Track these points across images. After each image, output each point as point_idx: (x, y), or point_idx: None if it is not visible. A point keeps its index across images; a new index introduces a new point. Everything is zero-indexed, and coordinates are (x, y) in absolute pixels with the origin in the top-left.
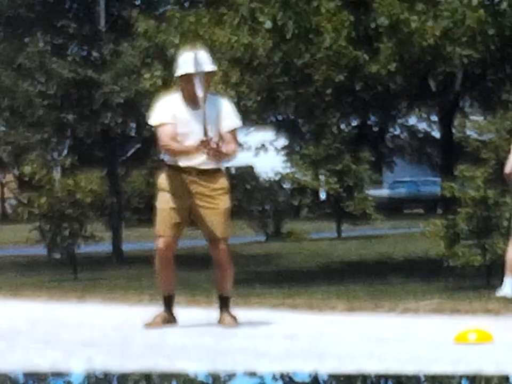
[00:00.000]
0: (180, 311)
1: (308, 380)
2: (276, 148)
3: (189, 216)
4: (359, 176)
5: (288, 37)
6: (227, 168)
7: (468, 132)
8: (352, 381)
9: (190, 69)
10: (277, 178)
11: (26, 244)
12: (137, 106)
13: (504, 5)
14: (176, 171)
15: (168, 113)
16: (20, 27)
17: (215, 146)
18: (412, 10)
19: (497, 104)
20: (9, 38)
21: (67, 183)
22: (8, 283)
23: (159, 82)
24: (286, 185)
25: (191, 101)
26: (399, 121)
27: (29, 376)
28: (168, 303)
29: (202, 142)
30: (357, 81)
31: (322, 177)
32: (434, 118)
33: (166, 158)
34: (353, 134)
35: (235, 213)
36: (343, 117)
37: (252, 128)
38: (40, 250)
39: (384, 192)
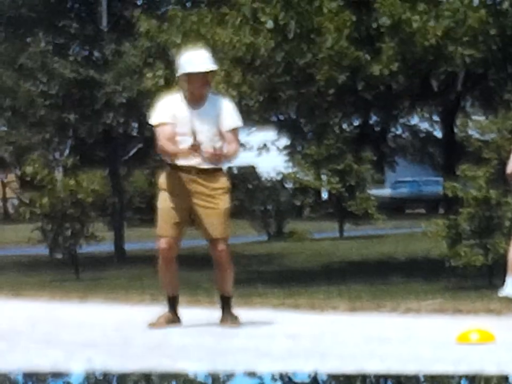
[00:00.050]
0: (181, 311)
1: (307, 380)
2: (277, 148)
3: (189, 216)
4: (361, 176)
5: (290, 36)
6: (229, 168)
7: (470, 132)
8: (352, 381)
9: (191, 69)
10: (279, 178)
11: (28, 244)
12: (139, 106)
13: (505, 4)
14: (176, 170)
15: (168, 113)
16: (21, 27)
17: (211, 150)
18: (414, 10)
19: (499, 104)
20: (11, 38)
21: (69, 183)
22: (10, 283)
23: (161, 81)
24: (288, 185)
25: (192, 100)
26: (401, 121)
27: (29, 376)
28: (173, 303)
29: (192, 146)
30: (359, 81)
31: (324, 177)
32: (436, 118)
33: (166, 157)
34: (355, 134)
35: (237, 212)
36: (345, 117)
37: (254, 128)
38: (42, 250)
39: (386, 192)
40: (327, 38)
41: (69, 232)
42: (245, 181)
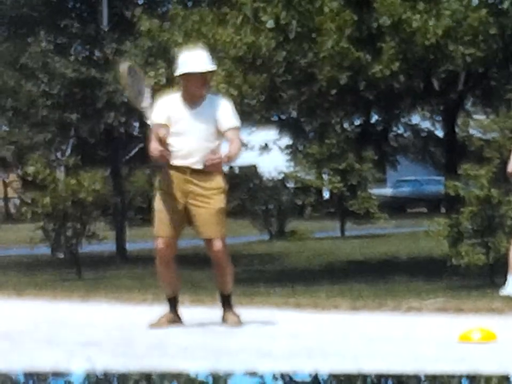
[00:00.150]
0: (183, 311)
1: (309, 379)
2: (279, 147)
3: (186, 216)
4: (362, 175)
5: (291, 36)
6: (230, 167)
7: (471, 131)
8: (354, 380)
9: (189, 69)
10: (280, 177)
11: (30, 244)
12: None
13: (506, 4)
14: (172, 170)
15: (163, 114)
16: (23, 27)
17: (210, 161)
18: (414, 10)
19: (500, 103)
20: (13, 38)
21: (70, 183)
22: (12, 283)
23: (163, 80)
24: (290, 185)
25: (190, 100)
26: (403, 120)
27: (30, 376)
28: (173, 304)
29: (160, 151)
30: (360, 81)
31: (325, 176)
32: (438, 117)
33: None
34: (356, 133)
35: (238, 212)
36: (347, 116)
37: (255, 128)
38: (44, 250)
39: (387, 191)
40: (328, 38)
41: (70, 232)
42: (246, 181)
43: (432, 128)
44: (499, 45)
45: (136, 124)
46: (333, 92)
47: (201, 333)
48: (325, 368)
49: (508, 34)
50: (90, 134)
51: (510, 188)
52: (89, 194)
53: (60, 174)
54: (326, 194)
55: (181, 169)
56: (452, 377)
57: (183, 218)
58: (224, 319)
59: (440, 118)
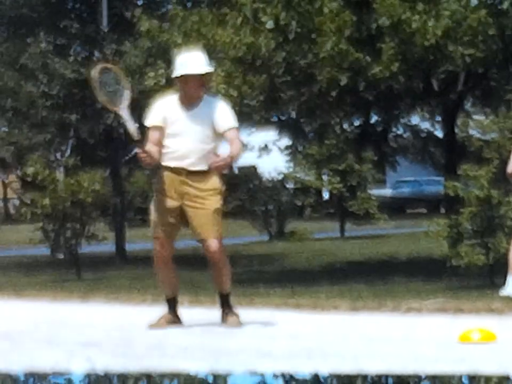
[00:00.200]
0: (183, 311)
1: (309, 379)
2: (279, 148)
3: (182, 217)
4: (362, 176)
5: (291, 37)
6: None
7: (471, 131)
8: (354, 380)
9: (186, 70)
10: (280, 178)
11: (30, 244)
12: (140, 106)
13: (505, 4)
14: (168, 172)
15: (159, 116)
16: (22, 27)
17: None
18: (413, 10)
19: (499, 104)
20: (12, 39)
21: (70, 183)
22: (12, 283)
23: (163, 81)
24: (289, 185)
25: (187, 101)
26: (402, 120)
27: (30, 376)
28: (172, 304)
29: (138, 153)
30: (360, 82)
31: (325, 177)
32: (437, 117)
33: (160, 158)
34: (356, 134)
35: (238, 213)
36: (346, 117)
37: (254, 129)
38: (43, 250)
39: (387, 191)
40: (327, 39)
41: (70, 233)
42: (246, 181)
43: (431, 129)
44: (498, 45)
45: (136, 124)
46: (333, 93)
47: (200, 334)
48: (324, 369)
49: (508, 34)
50: (89, 134)
51: (509, 188)
52: (89, 195)
53: (60, 174)
54: (326, 195)
55: (177, 171)
56: (452, 377)
57: (179, 219)
58: (223, 320)
59: (440, 119)
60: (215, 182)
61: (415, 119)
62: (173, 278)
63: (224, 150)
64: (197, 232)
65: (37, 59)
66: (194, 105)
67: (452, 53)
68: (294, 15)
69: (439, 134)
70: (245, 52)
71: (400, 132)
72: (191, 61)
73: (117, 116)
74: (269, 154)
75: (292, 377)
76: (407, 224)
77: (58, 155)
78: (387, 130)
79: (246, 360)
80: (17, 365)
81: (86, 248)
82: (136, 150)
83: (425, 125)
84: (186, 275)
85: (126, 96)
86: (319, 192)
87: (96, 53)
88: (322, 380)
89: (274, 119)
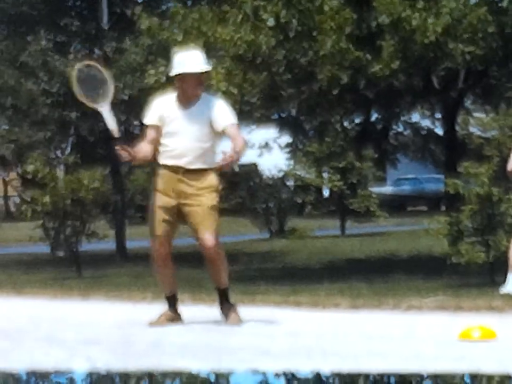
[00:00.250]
0: (183, 309)
1: (310, 377)
2: (279, 146)
3: (179, 215)
4: (362, 174)
5: (291, 35)
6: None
7: (471, 129)
8: (355, 379)
9: (184, 69)
10: (280, 175)
11: (30, 242)
12: (141, 103)
13: (505, 2)
14: (166, 170)
15: (156, 115)
16: (22, 25)
17: (225, 161)
18: (413, 8)
19: (500, 101)
20: (12, 36)
21: (70, 181)
22: (12, 281)
23: (163, 78)
24: (290, 183)
25: (185, 100)
26: (403, 118)
27: (31, 374)
28: (172, 302)
29: (116, 149)
30: (360, 80)
31: (325, 175)
32: (438, 115)
33: (158, 156)
34: (356, 132)
35: (239, 210)
36: (346, 115)
37: (255, 126)
38: (44, 248)
39: (387, 189)
40: (328, 37)
41: (70, 230)
42: (246, 179)
43: (432, 126)
44: (498, 43)
45: (136, 122)
46: (335, 91)
47: (201, 331)
48: (324, 367)
49: (508, 32)
50: (90, 132)
51: (510, 186)
52: (89, 193)
53: (60, 172)
54: (326, 193)
55: (174, 169)
56: (453, 376)
57: (177, 217)
58: (224, 317)
59: (440, 116)
60: (212, 179)
61: (415, 117)
62: (171, 276)
63: (224, 148)
64: (193, 229)
65: (37, 57)
66: (192, 104)
67: (452, 51)
68: (294, 13)
69: (440, 131)
70: (245, 49)
71: (400, 129)
72: (189, 60)
73: (118, 114)
74: (269, 152)
75: (293, 376)
76: (408, 222)
77: (58, 153)
78: (387, 128)
79: (246, 358)
80: (17, 363)
81: (86, 246)
82: (115, 147)
83: (426, 123)
84: (187, 273)
85: (108, 94)
86: (319, 190)
87: (97, 51)
88: (324, 379)
89: (275, 116)
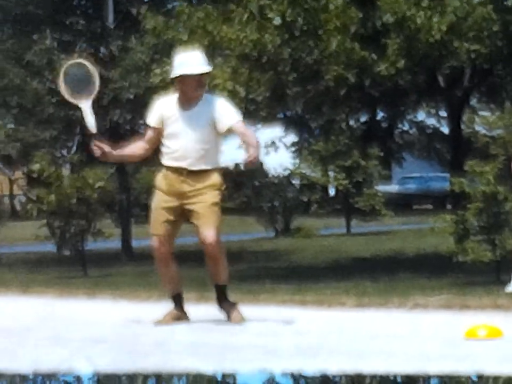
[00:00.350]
0: (189, 308)
1: (317, 377)
2: (284, 144)
3: (182, 214)
4: (368, 172)
5: (296, 33)
6: (236, 164)
7: (477, 128)
8: (362, 379)
9: (184, 70)
10: (286, 174)
11: (36, 241)
12: (146, 102)
13: (510, 1)
14: (169, 171)
15: (156, 116)
16: (28, 24)
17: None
18: (418, 6)
19: (506, 100)
20: (18, 35)
21: (76, 180)
22: (18, 280)
23: (169, 78)
24: (295, 182)
25: (185, 101)
26: (408, 117)
27: (39, 374)
28: (178, 301)
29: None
30: (365, 79)
31: (331, 173)
32: (443, 113)
33: (161, 157)
34: (362, 130)
35: (244, 209)
36: (352, 113)
37: (260, 125)
38: (49, 247)
39: (393, 188)
40: (333, 36)
41: (76, 229)
42: (252, 178)
43: (437, 125)
44: (503, 41)
45: (142, 121)
46: (342, 92)
47: (206, 330)
48: (330, 365)
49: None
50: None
51: None
52: (95, 192)
53: (65, 171)
54: (332, 191)
55: (177, 171)
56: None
57: (179, 217)
58: (224, 313)
59: (446, 115)
60: (214, 178)
61: (420, 115)
62: (174, 275)
63: (231, 144)
64: (195, 225)
65: (43, 56)
66: (193, 105)
67: (457, 49)
68: (300, 11)
69: (445, 130)
70: (251, 48)
71: (406, 128)
72: (189, 61)
73: (123, 113)
74: (275, 150)
75: (300, 375)
76: (413, 220)
77: (64, 152)
78: (393, 127)
79: (251, 357)
80: (23, 362)
81: (92, 244)
82: (91, 142)
83: (431, 121)
84: (191, 272)
85: (93, 92)
86: (325, 189)
87: (102, 50)
88: (330, 378)
89: (281, 115)
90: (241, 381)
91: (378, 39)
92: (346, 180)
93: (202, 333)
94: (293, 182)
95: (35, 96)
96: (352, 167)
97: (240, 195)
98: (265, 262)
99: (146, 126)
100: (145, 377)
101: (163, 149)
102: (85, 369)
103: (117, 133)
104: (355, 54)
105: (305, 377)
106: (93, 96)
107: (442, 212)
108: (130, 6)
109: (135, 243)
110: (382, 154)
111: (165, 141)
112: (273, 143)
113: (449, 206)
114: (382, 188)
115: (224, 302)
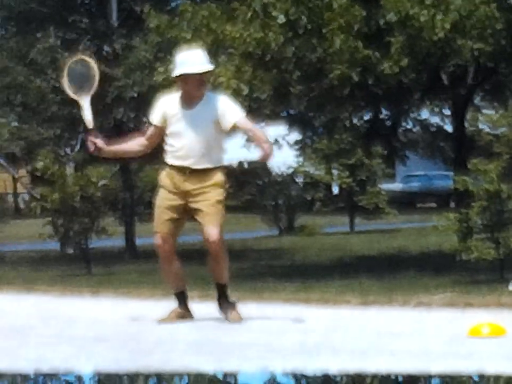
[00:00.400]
0: (193, 306)
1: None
2: (288, 143)
3: (185, 213)
4: (371, 170)
5: (300, 32)
6: (240, 163)
7: (480, 126)
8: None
9: (186, 69)
10: (289, 172)
11: (39, 239)
12: (150, 100)
13: None
14: (172, 170)
15: (158, 115)
16: (31, 22)
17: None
18: (421, 5)
19: (509, 98)
20: (21, 34)
21: (79, 178)
22: (22, 278)
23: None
24: (299, 180)
25: (188, 100)
26: (412, 115)
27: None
28: (181, 299)
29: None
30: (369, 77)
31: (335, 172)
32: (447, 111)
33: (165, 156)
34: (365, 128)
35: (248, 207)
36: (356, 111)
37: (263, 124)
38: (53, 245)
39: (396, 186)
40: (336, 35)
41: (79, 227)
42: (255, 176)
43: (441, 123)
44: (507, 39)
45: (146, 119)
46: (346, 91)
47: (209, 328)
48: (334, 364)
49: None
50: (99, 129)
51: None
52: (98, 190)
53: (69, 169)
54: (335, 190)
55: (180, 169)
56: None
57: (182, 215)
58: (222, 313)
59: (449, 113)
60: (217, 176)
61: (424, 114)
62: (177, 273)
63: (233, 143)
64: (199, 222)
65: (46, 54)
66: (195, 104)
67: (461, 47)
68: (303, 10)
69: (449, 128)
70: (254, 47)
71: (409, 126)
72: (191, 60)
73: (127, 111)
74: (279, 149)
75: (302, 374)
76: (417, 219)
77: (68, 150)
78: (396, 125)
79: (255, 355)
80: (26, 360)
81: (95, 242)
82: (86, 137)
83: (435, 119)
84: (195, 270)
85: (92, 89)
86: (328, 187)
87: (106, 48)
88: (332, 378)
89: (284, 114)
90: (242, 380)
91: (382, 37)
92: (350, 178)
93: (205, 331)
94: (297, 180)
95: (39, 94)
96: (355, 165)
97: (244, 193)
98: (269, 260)
99: (149, 123)
100: (146, 377)
101: (166, 148)
102: (86, 368)
103: (121, 130)
104: (359, 52)
105: (306, 377)
106: (92, 92)
107: (446, 210)
108: (134, 4)
109: (138, 241)
110: (385, 152)
111: (168, 140)
112: (276, 141)
113: (452, 204)
114: (385, 186)
115: (223, 301)
